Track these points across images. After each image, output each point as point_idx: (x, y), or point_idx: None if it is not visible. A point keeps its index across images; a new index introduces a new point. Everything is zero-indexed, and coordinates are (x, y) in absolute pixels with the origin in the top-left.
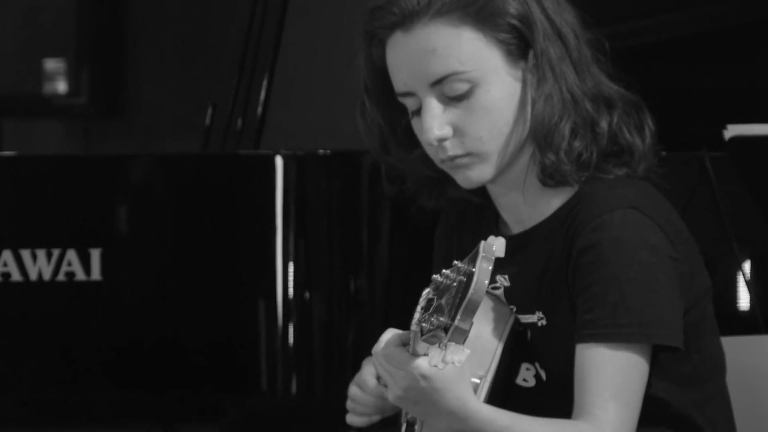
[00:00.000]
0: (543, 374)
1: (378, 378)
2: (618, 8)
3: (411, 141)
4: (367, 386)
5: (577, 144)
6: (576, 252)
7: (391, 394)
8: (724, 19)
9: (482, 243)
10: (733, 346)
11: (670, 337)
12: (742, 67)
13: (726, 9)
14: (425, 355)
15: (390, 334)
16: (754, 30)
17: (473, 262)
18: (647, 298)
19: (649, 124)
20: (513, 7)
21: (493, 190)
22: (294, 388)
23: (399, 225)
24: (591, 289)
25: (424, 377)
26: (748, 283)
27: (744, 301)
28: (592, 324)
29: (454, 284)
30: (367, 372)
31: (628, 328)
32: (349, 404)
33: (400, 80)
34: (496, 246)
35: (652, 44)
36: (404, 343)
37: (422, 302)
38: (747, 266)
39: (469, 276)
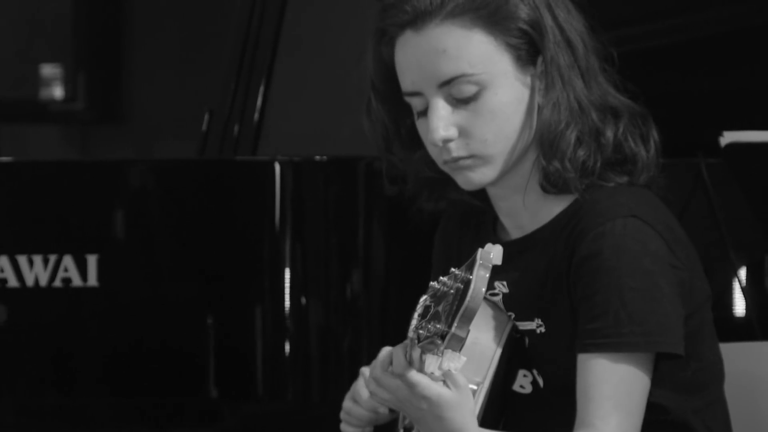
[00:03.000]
0: (540, 381)
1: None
2: (612, 14)
3: (414, 141)
4: (361, 399)
5: (581, 152)
6: (577, 260)
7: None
8: (720, 24)
9: (479, 251)
10: (730, 353)
11: (673, 345)
12: (739, 73)
13: (722, 15)
14: (422, 362)
15: (386, 352)
16: (750, 36)
17: (470, 269)
18: (649, 306)
19: (654, 135)
20: (525, 13)
21: (494, 194)
22: (291, 393)
23: (396, 231)
24: (593, 298)
25: (424, 398)
26: (744, 289)
27: (740, 307)
28: (594, 333)
29: (451, 291)
30: (362, 384)
31: (630, 337)
32: (342, 415)
33: (408, 79)
34: (493, 254)
35: (648, 50)
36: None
37: (419, 309)
38: (743, 273)
39: (466, 283)
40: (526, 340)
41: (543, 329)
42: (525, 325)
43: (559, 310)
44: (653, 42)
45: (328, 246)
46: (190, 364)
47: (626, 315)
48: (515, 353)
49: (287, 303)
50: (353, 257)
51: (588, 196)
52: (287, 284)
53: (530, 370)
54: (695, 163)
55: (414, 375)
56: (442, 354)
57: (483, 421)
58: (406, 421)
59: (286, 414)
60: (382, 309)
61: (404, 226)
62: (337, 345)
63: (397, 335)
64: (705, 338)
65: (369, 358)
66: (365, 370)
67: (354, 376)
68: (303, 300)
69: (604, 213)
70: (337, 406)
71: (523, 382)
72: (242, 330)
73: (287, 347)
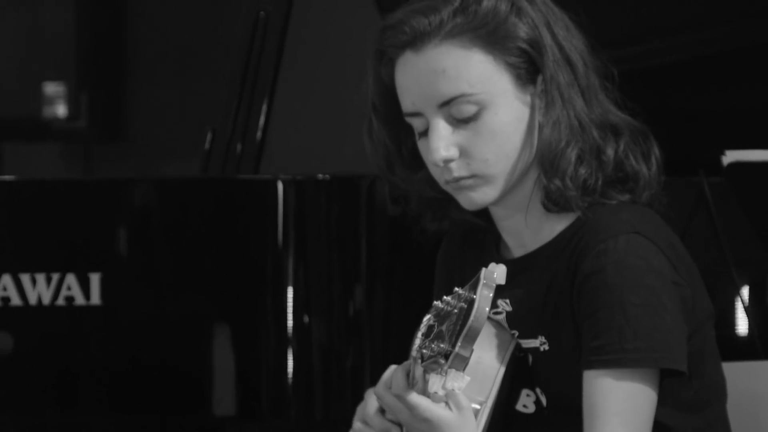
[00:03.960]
0: (543, 400)
1: (382, 411)
2: (616, 33)
3: (416, 162)
4: (373, 421)
5: (582, 170)
6: (581, 277)
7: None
8: (722, 43)
9: (483, 270)
10: (732, 372)
11: (677, 362)
12: (740, 91)
13: (723, 33)
14: (426, 381)
15: (390, 370)
16: (752, 54)
17: (474, 289)
18: (653, 322)
19: (656, 153)
20: (523, 32)
21: (496, 213)
22: (293, 411)
23: (398, 249)
24: (597, 314)
25: (425, 420)
26: (746, 308)
27: (743, 326)
28: (599, 350)
29: (455, 311)
30: (371, 406)
31: (635, 353)
32: None
33: (408, 100)
34: (497, 273)
35: (649, 68)
36: (408, 374)
37: (423, 328)
38: (746, 291)
39: (470, 303)
40: (530, 359)
41: (546, 347)
42: (528, 343)
43: (562, 327)
44: (655, 60)
45: (330, 264)
46: (193, 383)
47: (630, 331)
48: (518, 372)
49: (290, 321)
50: (356, 275)
51: (590, 214)
52: (290, 302)
53: (533, 389)
54: (697, 181)
55: (413, 397)
56: (446, 373)
57: None
58: None
59: None
60: (384, 327)
61: (406, 244)
62: (339, 363)
63: (399, 354)
64: (707, 357)
65: (372, 377)
66: (370, 393)
67: (357, 393)
68: (306, 318)
69: (607, 230)
70: (340, 425)
71: (526, 402)
72: (245, 348)
73: (290, 365)
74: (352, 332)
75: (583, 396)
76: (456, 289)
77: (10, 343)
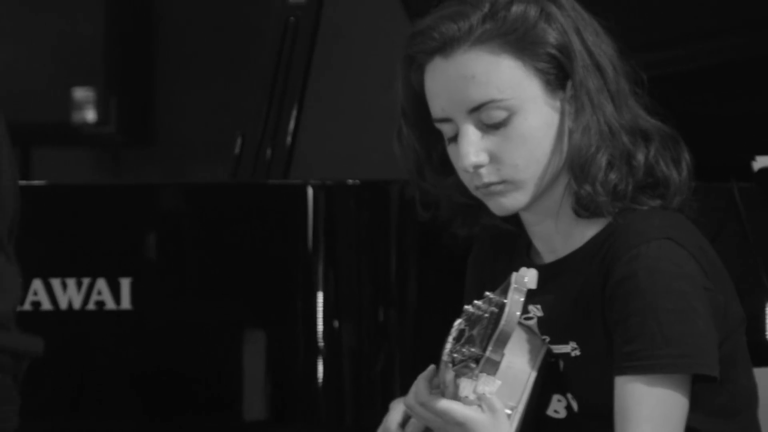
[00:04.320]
0: (575, 405)
1: (403, 425)
2: (645, 38)
3: (446, 167)
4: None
5: (613, 176)
6: (612, 283)
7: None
8: (753, 48)
9: (514, 274)
10: (764, 378)
11: (709, 367)
12: None
13: (755, 39)
14: (457, 386)
15: (422, 381)
16: None
17: (505, 293)
18: (685, 327)
19: (686, 158)
20: (553, 37)
21: (527, 219)
22: (323, 416)
23: (428, 254)
24: (629, 320)
25: (458, 424)
26: None
27: None
28: (631, 356)
29: (486, 315)
30: (392, 420)
31: (667, 359)
32: None
33: (437, 106)
34: (527, 277)
35: (680, 73)
36: (433, 380)
37: (454, 333)
38: None
39: (501, 307)
40: (561, 364)
41: (578, 352)
42: (560, 349)
43: (594, 333)
44: (685, 65)
45: (360, 269)
46: (224, 388)
47: (662, 336)
48: (549, 377)
49: (320, 326)
50: (386, 281)
51: (621, 220)
52: (320, 308)
53: (564, 395)
54: (728, 187)
55: (444, 402)
56: (477, 378)
57: None
58: None
59: None
60: (414, 333)
61: (437, 249)
62: (369, 368)
63: (429, 359)
64: (739, 363)
65: (402, 382)
66: (395, 404)
67: (387, 399)
68: (336, 323)
69: (639, 235)
70: (370, 429)
71: (557, 407)
72: (275, 353)
73: (320, 370)
74: (382, 337)
75: (614, 401)
76: (487, 293)
77: (41, 347)
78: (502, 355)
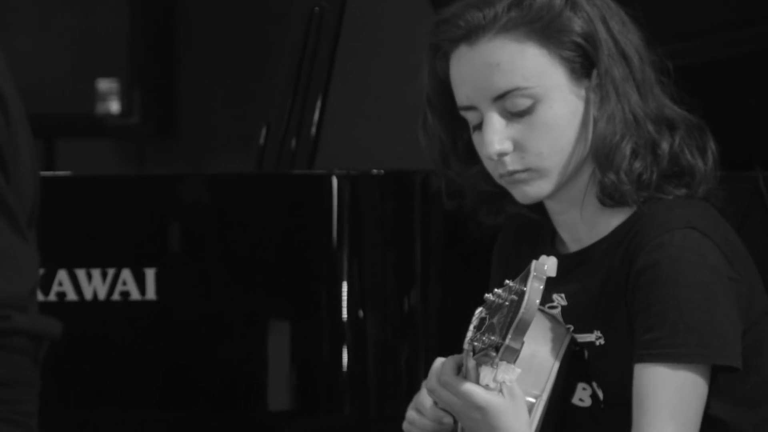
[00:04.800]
0: (600, 394)
1: (435, 401)
2: (672, 27)
3: (471, 156)
4: (425, 409)
5: (637, 164)
6: (635, 272)
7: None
8: None
9: (534, 262)
10: None
11: (729, 357)
12: None
13: None
14: (478, 374)
15: (439, 363)
16: None
17: (524, 281)
18: (707, 317)
19: (712, 147)
20: (578, 26)
21: (552, 208)
22: (348, 407)
23: (453, 244)
24: (650, 309)
25: (478, 408)
26: None
27: None
28: (651, 344)
29: (506, 303)
30: (425, 395)
31: (687, 348)
32: (406, 426)
33: (462, 94)
34: (547, 265)
35: (706, 63)
36: (459, 366)
37: (475, 321)
38: None
39: (520, 295)
40: (586, 353)
41: (602, 341)
42: (584, 338)
43: (618, 322)
44: (711, 55)
45: (385, 259)
46: (248, 378)
47: (683, 326)
48: (574, 366)
49: (345, 317)
50: (411, 271)
51: (646, 209)
52: (344, 298)
53: (589, 383)
54: (753, 176)
55: (464, 385)
56: (497, 366)
57: None
58: None
59: (344, 428)
60: (439, 323)
61: (461, 239)
62: (394, 359)
63: (454, 349)
64: (764, 352)
65: (426, 372)
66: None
67: (411, 389)
68: (360, 314)
69: (663, 224)
70: (396, 420)
71: (582, 395)
72: (300, 344)
73: (345, 361)
74: (407, 327)
75: (633, 388)
76: (507, 281)
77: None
78: (522, 342)
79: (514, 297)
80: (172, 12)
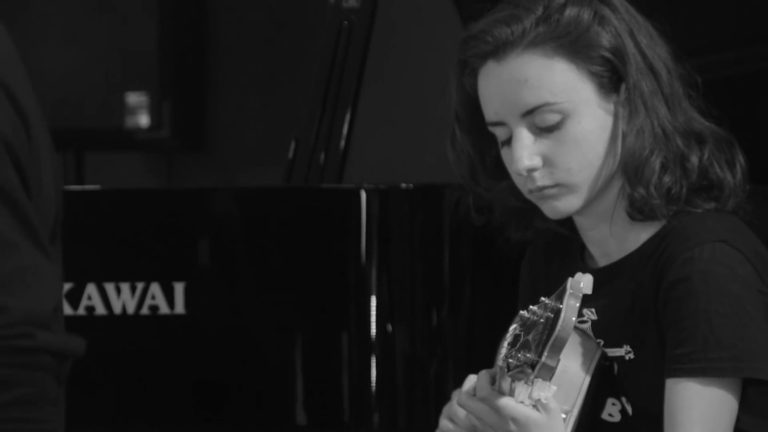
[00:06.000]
0: (629, 409)
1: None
2: (700, 41)
3: (500, 171)
4: (458, 418)
5: (667, 179)
6: (666, 286)
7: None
8: None
9: (569, 280)
10: None
11: (761, 371)
12: None
13: None
14: (512, 390)
15: (472, 380)
16: None
17: (560, 298)
18: (738, 331)
19: (740, 161)
20: (606, 40)
21: (581, 223)
22: (377, 421)
23: (482, 258)
24: (681, 323)
25: (514, 420)
26: None
27: None
28: (682, 358)
29: (542, 320)
30: (457, 405)
31: (718, 362)
32: None
33: (491, 109)
34: (583, 283)
35: (734, 77)
36: (493, 380)
37: (509, 338)
38: None
39: (557, 313)
40: (615, 368)
41: (632, 356)
42: (614, 352)
43: (648, 336)
44: (739, 68)
45: (414, 273)
46: (277, 392)
47: (714, 340)
48: (604, 381)
49: (373, 330)
50: (439, 284)
51: (675, 223)
52: (373, 311)
53: (619, 398)
54: None
55: (501, 398)
56: (533, 383)
57: None
58: None
59: None
60: (467, 336)
61: (490, 253)
62: (423, 372)
63: (482, 363)
64: None
65: (455, 386)
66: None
67: (440, 402)
68: (389, 327)
69: (693, 238)
70: None
71: (612, 411)
72: (328, 357)
73: (373, 374)
74: (436, 341)
75: (664, 403)
76: (542, 298)
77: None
78: (558, 360)
79: (550, 314)
80: (202, 26)
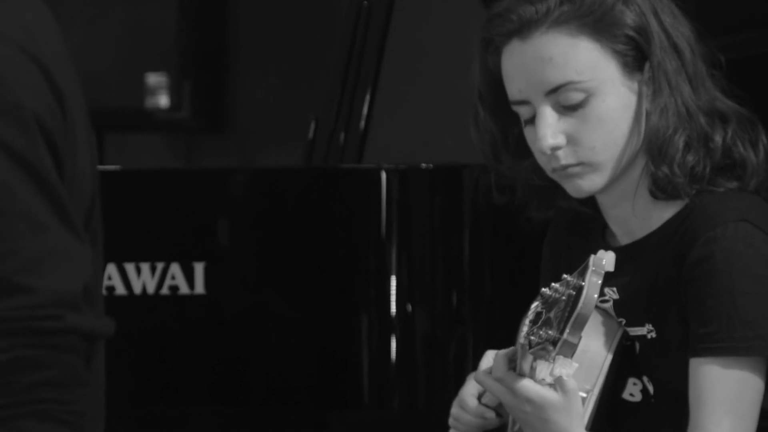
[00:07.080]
0: (650, 388)
1: (479, 398)
2: (723, 20)
3: (522, 150)
4: (468, 406)
5: (690, 157)
6: (688, 265)
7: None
8: None
9: (592, 257)
10: None
11: None
12: None
13: None
14: (533, 369)
15: (490, 355)
16: None
17: (582, 276)
18: (762, 310)
19: (763, 140)
20: (630, 19)
21: (603, 202)
22: (396, 402)
23: (501, 238)
24: (705, 302)
25: (529, 401)
26: None
27: None
28: (706, 338)
29: (563, 298)
30: (467, 392)
31: (743, 342)
32: (451, 422)
33: (515, 88)
34: (605, 260)
35: (758, 56)
36: (511, 360)
37: (531, 315)
38: None
39: (579, 290)
40: (637, 347)
41: (654, 334)
42: (636, 331)
43: (670, 315)
44: (763, 48)
45: (433, 253)
46: (296, 372)
47: (738, 319)
48: (625, 361)
49: (393, 310)
50: (459, 265)
51: (698, 201)
52: (393, 291)
53: (640, 378)
54: None
55: (516, 378)
56: (554, 360)
57: (591, 430)
58: (516, 427)
59: (392, 422)
60: (487, 316)
61: (510, 233)
62: (443, 352)
63: (503, 343)
64: None
65: (475, 366)
66: (472, 377)
67: (459, 383)
68: (409, 307)
69: (715, 217)
70: (444, 414)
71: (633, 390)
72: (348, 338)
73: (393, 355)
74: (456, 321)
75: (689, 384)
76: (564, 276)
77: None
78: (580, 337)
79: (572, 292)
80: (222, 6)
